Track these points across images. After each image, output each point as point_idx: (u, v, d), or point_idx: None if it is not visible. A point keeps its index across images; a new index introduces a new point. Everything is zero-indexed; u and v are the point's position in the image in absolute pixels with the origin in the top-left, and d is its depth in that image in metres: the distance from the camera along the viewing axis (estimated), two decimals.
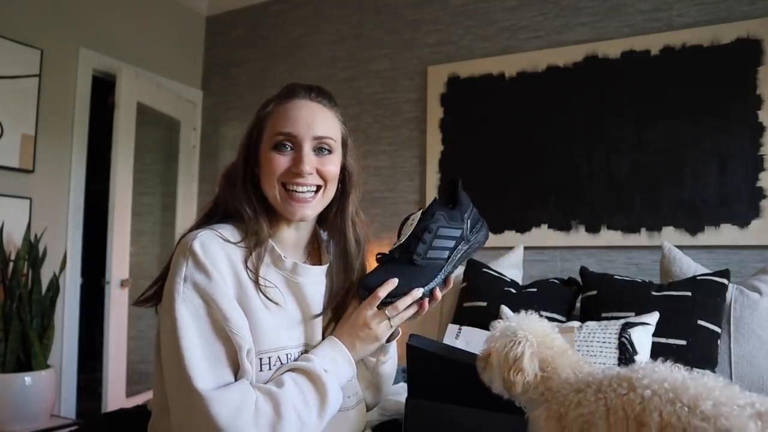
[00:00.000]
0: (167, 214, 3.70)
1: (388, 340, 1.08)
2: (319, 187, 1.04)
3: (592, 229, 2.68)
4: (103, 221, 3.09)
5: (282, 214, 1.03)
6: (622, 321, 1.88)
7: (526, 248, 2.64)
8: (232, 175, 1.06)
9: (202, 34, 3.94)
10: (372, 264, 1.09)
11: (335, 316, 1.08)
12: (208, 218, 1.07)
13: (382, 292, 1.01)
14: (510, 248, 2.61)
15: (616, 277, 2.18)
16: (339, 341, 1.01)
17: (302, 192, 1.02)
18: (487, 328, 1.03)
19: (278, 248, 1.04)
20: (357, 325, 1.02)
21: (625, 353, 1.76)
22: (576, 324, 1.95)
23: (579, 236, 2.70)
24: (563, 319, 2.15)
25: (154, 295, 1.04)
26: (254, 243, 1.00)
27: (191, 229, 1.03)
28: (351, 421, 1.08)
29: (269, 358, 0.97)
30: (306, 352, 1.01)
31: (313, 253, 1.14)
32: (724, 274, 2.02)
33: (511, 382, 0.87)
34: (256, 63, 3.73)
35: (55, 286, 2.71)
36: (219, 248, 0.96)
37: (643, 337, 1.82)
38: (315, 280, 1.06)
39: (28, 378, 2.49)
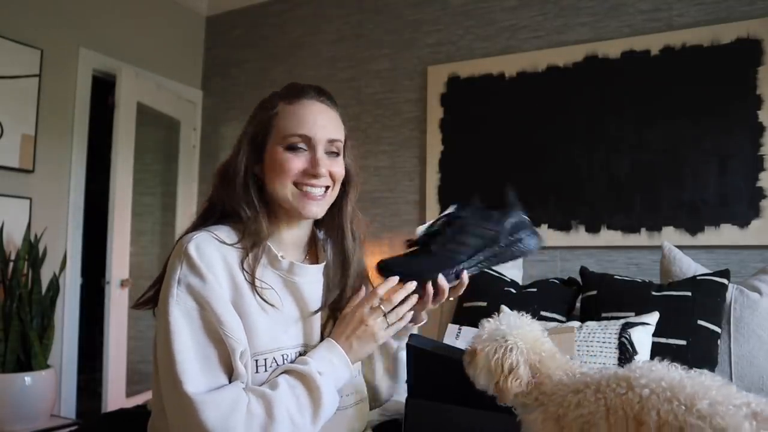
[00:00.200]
0: (167, 214, 3.70)
1: (412, 321, 1.09)
2: (327, 187, 1.06)
3: (592, 229, 2.68)
4: (103, 221, 3.09)
5: (295, 210, 1.03)
6: (622, 321, 1.88)
7: None
8: (228, 173, 1.06)
9: (202, 34, 3.94)
10: (372, 264, 1.10)
11: (333, 314, 1.09)
12: (204, 219, 1.07)
13: (381, 290, 1.02)
14: None
15: (616, 277, 2.18)
16: (336, 343, 1.01)
17: (315, 191, 1.03)
18: None
19: (278, 247, 1.04)
20: (353, 323, 1.02)
21: (625, 353, 1.76)
22: (576, 324, 1.95)
23: (579, 236, 2.70)
24: (563, 319, 2.15)
25: (152, 298, 1.04)
26: (251, 244, 1.00)
27: (188, 231, 1.03)
28: (349, 420, 1.07)
29: (265, 359, 0.97)
30: (304, 352, 1.02)
31: (311, 252, 1.14)
32: (724, 274, 2.02)
33: (505, 389, 0.87)
34: (256, 63, 3.73)
35: (55, 286, 2.71)
36: (215, 250, 0.97)
37: (643, 337, 1.81)
38: (312, 279, 1.07)
39: (28, 378, 2.49)
